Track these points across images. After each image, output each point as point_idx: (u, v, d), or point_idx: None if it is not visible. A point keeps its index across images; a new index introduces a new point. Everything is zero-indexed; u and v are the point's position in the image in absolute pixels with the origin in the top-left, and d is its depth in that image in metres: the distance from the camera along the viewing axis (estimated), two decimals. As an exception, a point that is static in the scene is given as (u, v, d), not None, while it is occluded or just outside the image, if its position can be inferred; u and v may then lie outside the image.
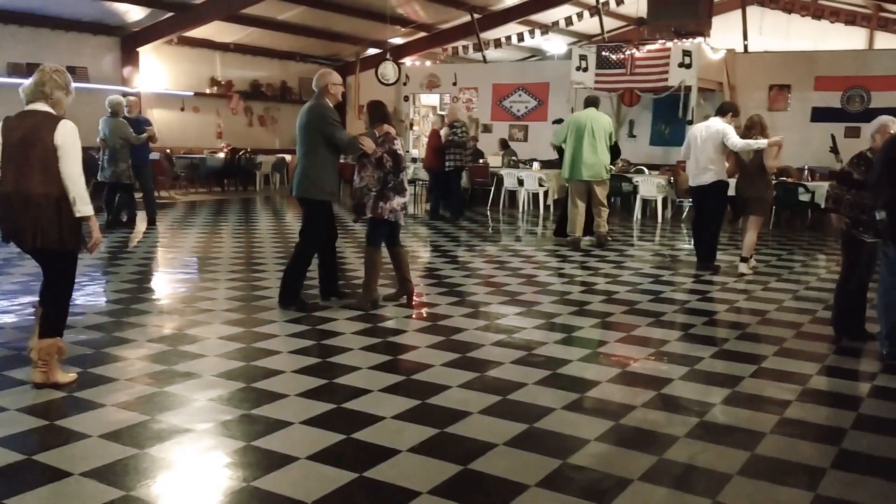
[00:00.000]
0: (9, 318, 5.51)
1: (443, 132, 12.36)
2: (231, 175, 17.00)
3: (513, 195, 14.58)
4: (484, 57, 18.15)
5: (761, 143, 7.64)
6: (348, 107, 20.14)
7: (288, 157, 18.04)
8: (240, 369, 4.57)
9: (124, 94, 11.29)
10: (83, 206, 4.04)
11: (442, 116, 13.98)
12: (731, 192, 8.25)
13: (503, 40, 18.15)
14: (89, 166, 9.96)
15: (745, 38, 15.29)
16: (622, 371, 4.74)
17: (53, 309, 4.18)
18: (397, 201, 6.02)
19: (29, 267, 7.07)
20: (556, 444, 3.57)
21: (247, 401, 4.05)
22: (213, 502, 3.00)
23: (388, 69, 17.65)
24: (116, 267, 7.75)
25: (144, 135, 10.29)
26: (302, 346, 5.05)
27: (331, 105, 5.99)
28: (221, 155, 16.78)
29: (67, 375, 4.21)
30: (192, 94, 16.76)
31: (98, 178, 10.17)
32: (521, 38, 18.07)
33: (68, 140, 4.01)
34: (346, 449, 3.48)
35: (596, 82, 14.10)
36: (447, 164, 12.30)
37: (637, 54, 13.76)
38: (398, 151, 6.00)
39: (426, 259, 8.81)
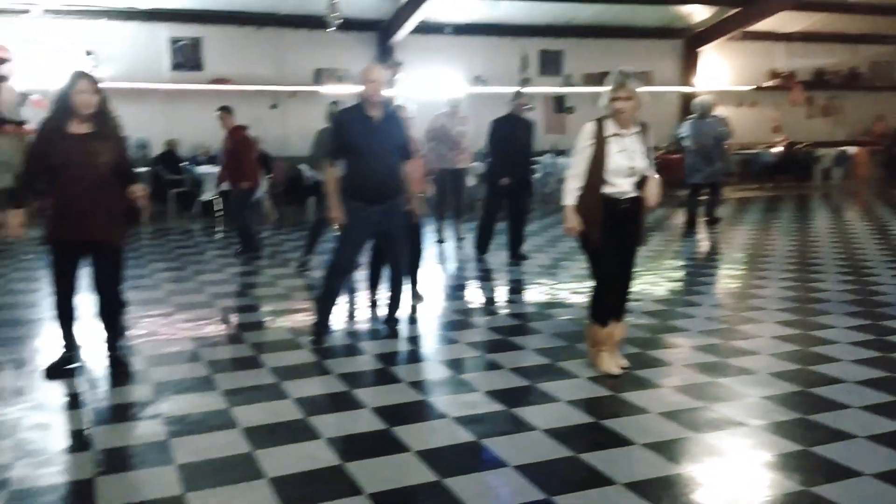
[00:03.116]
0: (580, 299, 6.26)
1: None
2: (786, 170, 16.23)
3: None
4: None
5: None
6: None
7: (852, 150, 16.41)
8: (795, 371, 4.38)
9: (689, 95, 11.58)
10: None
11: None
12: None
13: None
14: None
15: None
16: None
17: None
18: None
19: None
20: None
21: (803, 405, 3.87)
22: (767, 498, 2.96)
23: None
24: (673, 260, 8.15)
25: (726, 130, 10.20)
26: (866, 357, 4.58)
27: None
28: (777, 149, 16.15)
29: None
30: (752, 88, 16.48)
31: (689, 180, 10.13)
32: None
33: None
34: (923, 478, 3.05)
35: None
36: None
37: None
38: None
39: None
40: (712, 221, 10.26)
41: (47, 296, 6.52)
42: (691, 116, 10.30)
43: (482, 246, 8.23)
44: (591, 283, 4.49)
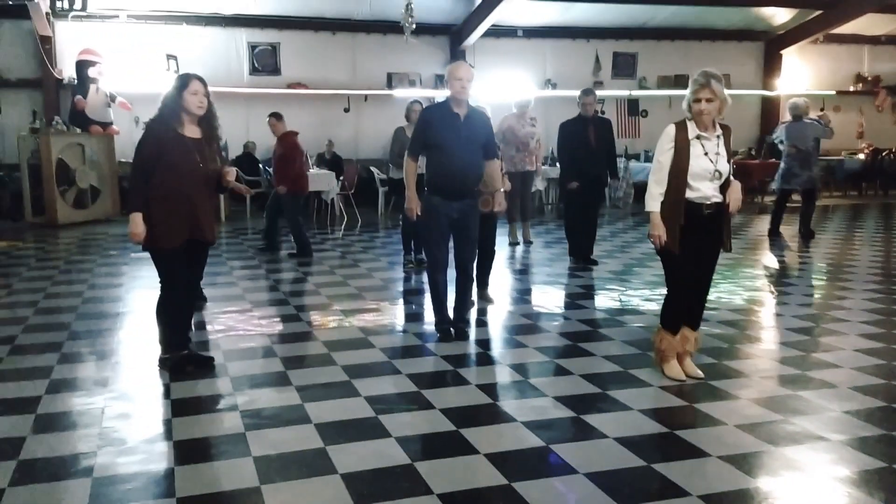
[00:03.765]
0: (652, 306, 6.15)
1: None
2: (871, 178, 15.60)
3: None
4: None
5: None
6: None
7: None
8: (880, 386, 4.21)
9: (769, 99, 11.22)
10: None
11: None
12: None
13: None
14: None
15: None
16: None
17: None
18: None
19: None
20: None
21: (887, 420, 3.72)
22: (850, 519, 2.86)
23: None
24: (753, 268, 7.93)
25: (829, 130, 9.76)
26: (960, 374, 4.36)
27: None
28: (861, 156, 15.53)
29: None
30: (834, 92, 15.90)
31: (781, 186, 9.70)
32: None
33: None
34: None
35: None
36: None
37: None
38: None
39: None
40: (808, 235, 9.70)
41: (131, 290, 6.80)
42: (786, 120, 9.86)
43: (574, 250, 8.14)
44: (663, 290, 4.40)
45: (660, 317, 4.46)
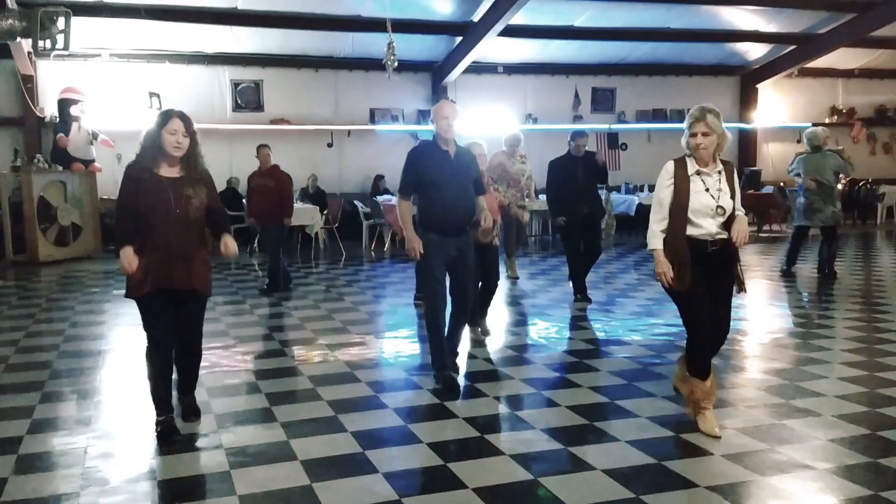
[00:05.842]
0: (636, 337, 6.19)
1: None
2: (849, 208, 15.83)
3: None
4: None
5: None
6: None
7: (918, 188, 15.97)
8: (863, 414, 4.24)
9: (746, 132, 11.34)
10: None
11: None
12: None
13: None
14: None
15: None
16: None
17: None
18: None
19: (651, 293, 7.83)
20: None
21: (872, 448, 3.74)
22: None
23: None
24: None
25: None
26: (942, 401, 4.40)
27: None
28: (839, 187, 15.77)
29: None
30: (810, 125, 16.19)
31: (801, 223, 8.91)
32: None
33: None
34: None
35: None
36: None
37: None
38: None
39: None
40: (832, 275, 8.91)
41: (113, 328, 6.73)
42: (802, 152, 9.26)
43: (577, 286, 7.92)
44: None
45: (685, 365, 4.23)
